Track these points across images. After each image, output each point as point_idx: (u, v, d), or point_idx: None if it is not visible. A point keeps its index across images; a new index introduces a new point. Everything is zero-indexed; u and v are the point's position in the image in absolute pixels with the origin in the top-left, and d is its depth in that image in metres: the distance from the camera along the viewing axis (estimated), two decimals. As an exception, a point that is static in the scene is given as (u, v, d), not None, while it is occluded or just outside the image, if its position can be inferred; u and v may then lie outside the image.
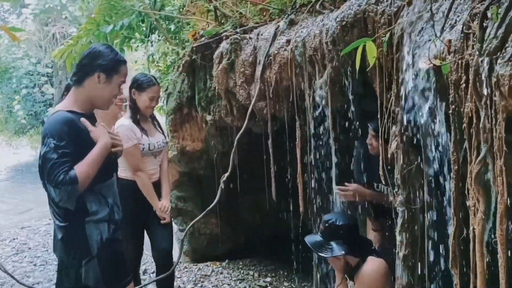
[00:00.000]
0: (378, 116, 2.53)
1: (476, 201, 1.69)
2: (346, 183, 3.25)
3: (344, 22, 2.63)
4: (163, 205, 3.38)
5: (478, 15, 1.71)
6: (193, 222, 3.59)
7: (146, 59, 6.90)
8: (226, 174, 3.35)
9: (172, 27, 5.93)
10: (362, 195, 3.21)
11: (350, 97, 2.83)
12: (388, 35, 2.40)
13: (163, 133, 3.46)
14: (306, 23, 3.15)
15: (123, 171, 3.29)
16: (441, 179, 2.13)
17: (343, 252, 2.67)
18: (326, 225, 2.76)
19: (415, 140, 2.27)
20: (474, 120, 1.71)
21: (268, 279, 4.29)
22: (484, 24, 1.63)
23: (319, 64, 2.96)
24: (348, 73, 2.78)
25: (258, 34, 3.57)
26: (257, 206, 5.27)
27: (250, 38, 3.61)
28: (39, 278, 4.60)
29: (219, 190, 3.31)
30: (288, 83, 3.21)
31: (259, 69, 3.39)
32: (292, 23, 3.31)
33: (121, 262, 2.37)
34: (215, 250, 5.08)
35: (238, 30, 3.80)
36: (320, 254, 2.71)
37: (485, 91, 1.57)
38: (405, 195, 2.32)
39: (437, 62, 1.72)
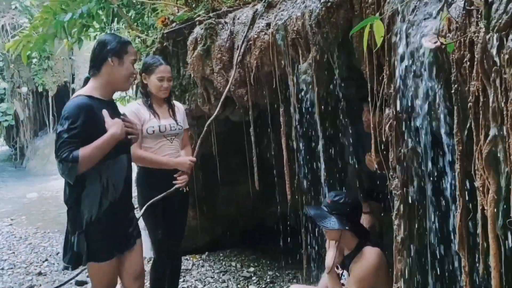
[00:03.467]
0: (369, 99, 2.47)
1: (486, 182, 1.66)
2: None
3: (329, 3, 2.55)
4: (185, 158, 3.22)
5: (481, -9, 1.66)
6: (151, 201, 3.28)
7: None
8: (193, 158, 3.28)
9: (133, 13, 5.70)
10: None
11: (338, 80, 2.76)
12: (377, 15, 2.34)
13: (175, 119, 3.25)
14: (286, 5, 3.05)
15: None
16: (441, 161, 2.09)
17: (346, 227, 2.62)
18: (334, 199, 2.69)
19: (410, 122, 2.23)
20: (481, 99, 1.66)
21: (252, 269, 4.23)
22: (489, 0, 1.58)
23: (302, 48, 2.87)
24: (335, 56, 2.71)
25: (234, 19, 3.45)
26: (234, 197, 5.19)
27: (226, 22, 3.48)
28: (9, 282, 4.36)
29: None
30: (270, 68, 3.12)
31: (237, 54, 3.27)
32: (270, 6, 3.20)
33: (107, 240, 2.52)
34: (193, 243, 4.96)
35: (211, 14, 3.66)
36: (322, 224, 2.63)
37: (494, 69, 1.52)
38: (401, 178, 2.28)
39: (443, 41, 1.66)
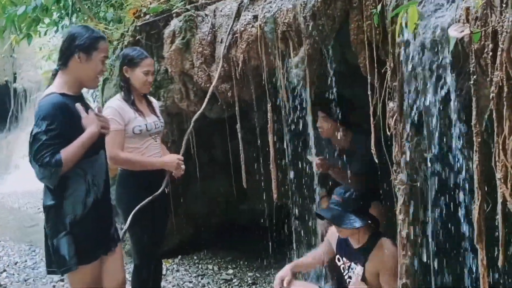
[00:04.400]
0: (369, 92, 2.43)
1: (510, 172, 1.64)
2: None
3: (326, -6, 2.48)
4: (173, 157, 3.04)
5: (504, -20, 1.64)
6: (140, 205, 3.09)
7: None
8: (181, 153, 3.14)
9: (92, 6, 5.42)
10: (326, 166, 3.27)
11: (331, 74, 2.70)
12: (379, 7, 2.30)
13: (156, 115, 3.05)
14: (273, -3, 2.96)
15: None
16: (450, 155, 2.08)
17: (366, 222, 2.58)
18: (345, 196, 2.63)
19: (414, 115, 2.20)
20: (505, 89, 1.65)
21: (230, 271, 4.09)
22: (517, -11, 1.56)
23: (293, 41, 2.79)
24: (330, 49, 2.64)
25: (215, 11, 3.31)
26: (205, 195, 5.04)
27: (206, 15, 3.34)
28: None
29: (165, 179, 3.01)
30: (257, 62, 3.01)
31: (221, 48, 3.14)
32: (254, -2, 3.10)
33: (92, 240, 2.41)
34: (164, 245, 4.77)
35: (188, 7, 3.50)
36: (344, 226, 2.57)
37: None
38: (405, 173, 2.25)
39: (468, 31, 1.63)
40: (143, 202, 2.89)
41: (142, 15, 3.72)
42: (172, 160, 2.99)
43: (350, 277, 2.77)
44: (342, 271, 2.84)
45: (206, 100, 3.14)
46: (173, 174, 3.07)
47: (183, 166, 3.07)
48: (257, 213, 5.35)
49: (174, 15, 3.52)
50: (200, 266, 4.21)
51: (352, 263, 2.76)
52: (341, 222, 2.59)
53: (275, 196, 3.24)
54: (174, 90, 3.63)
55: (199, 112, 3.19)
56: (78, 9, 5.79)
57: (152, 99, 3.15)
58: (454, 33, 1.64)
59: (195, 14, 3.34)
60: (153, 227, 2.98)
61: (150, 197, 2.91)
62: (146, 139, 2.96)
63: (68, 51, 2.34)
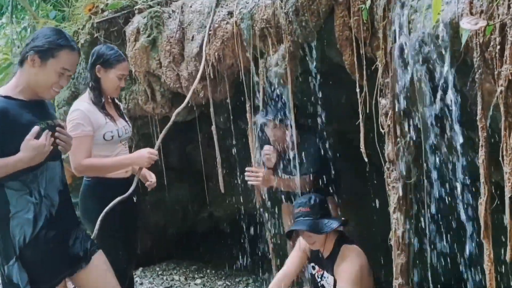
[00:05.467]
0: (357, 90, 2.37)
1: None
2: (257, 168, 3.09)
3: (310, -11, 2.40)
4: (142, 152, 2.76)
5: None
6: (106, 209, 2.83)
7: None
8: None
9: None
10: (270, 181, 3.07)
11: (313, 72, 2.62)
12: (368, 2, 2.25)
13: (125, 119, 2.81)
14: (247, -7, 2.84)
15: None
16: (445, 150, 2.06)
17: (338, 223, 2.56)
18: (311, 204, 2.57)
19: (409, 112, 2.17)
20: (515, 83, 1.64)
21: (198, 280, 3.91)
22: (527, -19, 1.56)
23: (272, 38, 2.69)
24: (313, 46, 2.56)
25: (182, 7, 3.14)
26: (160, 204, 4.80)
27: (173, 11, 3.16)
28: None
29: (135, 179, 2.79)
30: (232, 60, 2.88)
31: (193, 46, 2.97)
32: (226, -6, 2.97)
33: (48, 263, 2.14)
34: (114, 259, 4.48)
35: (151, 3, 3.31)
36: (321, 233, 2.53)
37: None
38: (399, 170, 2.21)
39: (484, 23, 1.60)
40: (110, 205, 2.61)
41: (99, 11, 3.46)
42: (142, 155, 2.70)
43: (323, 286, 2.73)
44: (316, 279, 2.79)
45: (187, 99, 2.93)
46: (146, 185, 2.88)
47: (154, 180, 2.91)
48: (218, 219, 5.21)
49: (136, 11, 3.30)
50: (165, 277, 4.00)
51: (325, 272, 2.72)
52: (319, 229, 2.55)
53: (259, 200, 3.13)
54: (138, 92, 3.41)
55: (178, 108, 2.93)
56: (18, 5, 5.37)
57: (118, 101, 2.93)
58: (468, 25, 1.60)
59: (161, 10, 3.14)
60: (124, 241, 2.75)
61: (118, 198, 2.64)
62: (117, 146, 2.73)
63: (25, 50, 2.06)
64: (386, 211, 2.96)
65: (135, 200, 2.84)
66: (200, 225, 5.08)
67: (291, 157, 2.94)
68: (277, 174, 3.15)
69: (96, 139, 2.63)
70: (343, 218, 2.64)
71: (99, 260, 2.30)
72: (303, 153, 3.00)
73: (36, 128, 2.02)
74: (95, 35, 3.45)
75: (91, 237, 2.48)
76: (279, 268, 2.97)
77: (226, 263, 4.04)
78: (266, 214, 3.49)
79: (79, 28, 3.63)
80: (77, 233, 2.29)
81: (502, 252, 1.78)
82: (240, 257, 3.89)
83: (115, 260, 2.70)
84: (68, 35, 2.11)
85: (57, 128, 2.09)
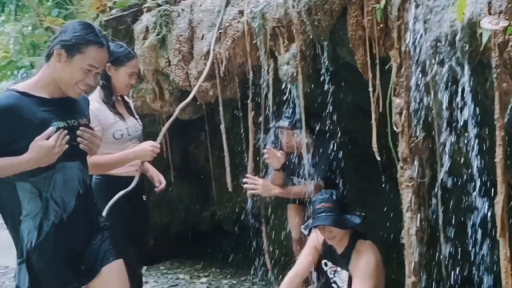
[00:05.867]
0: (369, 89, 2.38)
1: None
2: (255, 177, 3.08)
3: (323, -11, 2.41)
4: (145, 145, 2.71)
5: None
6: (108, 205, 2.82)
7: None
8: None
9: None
10: (269, 190, 3.04)
11: (324, 72, 2.63)
12: (383, 2, 2.26)
13: (135, 117, 2.80)
14: (258, -8, 2.85)
15: None
16: (465, 149, 2.06)
17: (360, 219, 2.60)
18: (334, 199, 2.61)
19: (421, 111, 2.18)
20: (535, 83, 1.65)
21: (204, 279, 3.90)
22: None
23: (283, 37, 2.69)
24: (325, 46, 2.57)
25: (191, 6, 3.14)
26: (162, 203, 4.79)
27: (183, 10, 3.16)
28: None
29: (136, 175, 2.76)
30: (242, 59, 2.88)
31: (203, 44, 2.97)
32: (236, -7, 2.98)
33: (52, 272, 2.00)
34: (124, 258, 4.47)
35: (160, 1, 3.31)
36: (345, 228, 2.57)
37: None
38: (412, 169, 2.22)
39: (506, 23, 1.61)
40: (111, 201, 2.55)
41: (107, 9, 3.46)
42: (144, 148, 2.64)
43: (335, 282, 2.74)
44: (329, 275, 2.80)
45: (187, 101, 2.92)
46: (156, 190, 2.86)
47: (163, 182, 2.87)
48: (221, 219, 5.21)
49: (145, 10, 3.30)
50: (170, 276, 3.99)
51: (338, 268, 2.73)
52: (344, 224, 2.56)
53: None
54: (146, 90, 3.41)
55: (180, 105, 2.92)
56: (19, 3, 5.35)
57: (128, 99, 2.92)
58: (489, 25, 1.62)
59: (170, 9, 3.14)
60: (134, 239, 2.74)
61: (120, 193, 2.60)
62: (127, 144, 2.70)
63: (53, 43, 1.95)
64: (389, 211, 3.00)
65: (144, 198, 2.84)
66: (203, 224, 5.08)
67: (306, 161, 2.90)
68: (289, 179, 3.15)
69: (106, 138, 2.59)
70: (362, 214, 2.65)
71: (112, 271, 2.09)
72: (319, 158, 3.00)
73: (50, 129, 1.91)
74: (103, 33, 3.43)
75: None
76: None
77: (231, 262, 4.03)
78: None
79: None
80: (94, 240, 2.11)
81: None
82: (244, 257, 3.90)
83: (125, 259, 2.70)
84: (98, 30, 2.00)
85: (81, 128, 2.00)
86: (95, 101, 2.65)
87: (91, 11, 3.55)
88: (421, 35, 2.06)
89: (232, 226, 4.84)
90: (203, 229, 5.08)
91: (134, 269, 2.75)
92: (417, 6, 2.09)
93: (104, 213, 2.61)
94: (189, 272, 4.07)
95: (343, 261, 2.63)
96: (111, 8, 3.46)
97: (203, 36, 2.99)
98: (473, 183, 2.01)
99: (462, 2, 1.56)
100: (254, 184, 3.02)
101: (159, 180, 2.89)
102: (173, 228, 5.01)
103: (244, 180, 3.06)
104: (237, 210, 4.70)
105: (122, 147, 2.69)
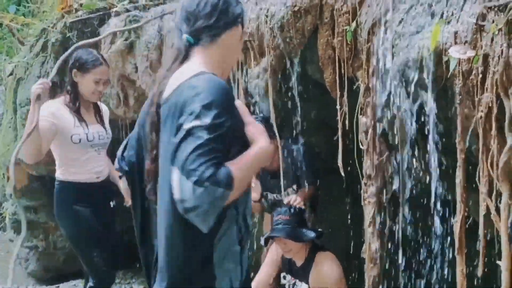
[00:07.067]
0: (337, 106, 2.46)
1: (500, 188, 1.76)
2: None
3: (296, 8, 2.47)
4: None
5: (494, 8, 1.77)
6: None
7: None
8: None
9: None
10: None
11: (295, 87, 2.69)
12: (354, 24, 2.35)
13: (103, 126, 2.73)
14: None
15: (58, 171, 2.73)
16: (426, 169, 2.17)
17: (316, 234, 2.63)
18: (292, 212, 2.64)
19: (387, 130, 2.27)
20: (495, 110, 1.77)
21: None
22: (509, 17, 1.70)
23: (255, 51, 2.74)
24: (295, 62, 2.63)
25: (162, 14, 3.13)
26: (119, 211, 4.69)
27: (152, 17, 3.14)
28: None
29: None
30: (212, 70, 2.89)
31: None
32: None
33: None
34: (73, 266, 4.33)
35: (128, 6, 3.28)
36: (299, 241, 2.59)
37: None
38: (375, 186, 2.31)
39: (473, 53, 1.72)
40: None
41: (73, 10, 3.38)
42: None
43: None
44: None
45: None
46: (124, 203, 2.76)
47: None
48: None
49: (113, 14, 3.26)
50: (123, 287, 3.89)
51: (297, 281, 2.77)
52: (298, 237, 2.60)
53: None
54: (110, 95, 3.35)
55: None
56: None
57: (102, 106, 2.87)
58: (456, 54, 1.72)
59: (140, 14, 3.12)
60: (98, 243, 2.69)
61: None
62: (87, 151, 2.69)
63: (225, 20, 1.54)
64: (351, 225, 3.09)
65: (112, 205, 2.79)
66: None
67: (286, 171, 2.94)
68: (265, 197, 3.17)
69: (63, 139, 2.61)
70: (319, 230, 2.71)
71: None
72: (303, 164, 3.04)
73: (239, 103, 1.55)
74: (68, 35, 3.36)
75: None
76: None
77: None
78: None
79: (48, 26, 3.52)
80: None
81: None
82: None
83: (90, 262, 2.67)
84: None
85: None
86: (58, 103, 2.65)
87: (55, 11, 3.46)
88: (388, 59, 2.16)
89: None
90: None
91: (104, 272, 2.72)
92: (386, 30, 2.19)
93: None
94: (142, 283, 3.98)
95: (302, 273, 2.68)
96: (77, 10, 3.39)
97: (173, 44, 2.98)
98: (434, 202, 2.12)
99: (436, 32, 1.65)
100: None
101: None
102: (127, 236, 4.90)
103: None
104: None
105: (82, 152, 2.67)
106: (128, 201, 2.67)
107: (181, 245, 1.41)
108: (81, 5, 3.40)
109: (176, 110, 1.39)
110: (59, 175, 2.73)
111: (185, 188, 1.26)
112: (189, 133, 1.31)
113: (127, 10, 3.25)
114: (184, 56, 1.53)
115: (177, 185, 1.28)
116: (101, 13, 3.32)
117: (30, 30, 3.88)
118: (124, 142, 1.72)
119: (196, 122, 1.32)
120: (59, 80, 3.59)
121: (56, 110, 2.60)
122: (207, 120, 1.32)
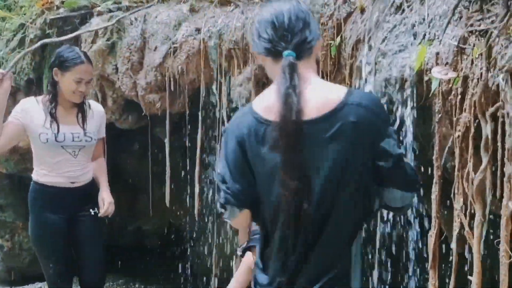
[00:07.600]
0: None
1: (474, 206, 1.82)
2: None
3: (282, 19, 2.50)
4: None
5: (475, 32, 1.85)
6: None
7: None
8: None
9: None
10: None
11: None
12: (338, 39, 2.40)
13: (84, 127, 2.59)
14: (215, 12, 2.90)
15: (33, 172, 2.62)
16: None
17: None
18: None
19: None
20: (472, 130, 1.84)
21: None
22: (490, 42, 1.77)
23: (239, 59, 2.75)
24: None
25: (145, 16, 3.11)
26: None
27: (136, 19, 3.12)
28: None
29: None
30: (195, 76, 2.89)
31: (156, 56, 2.95)
32: (193, 10, 3.01)
33: None
34: (39, 269, 4.18)
35: (111, 7, 3.24)
36: None
37: (507, 107, 1.68)
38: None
39: (454, 74, 1.79)
40: None
41: (54, 7, 3.32)
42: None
43: None
44: None
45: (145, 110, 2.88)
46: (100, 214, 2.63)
47: (109, 209, 2.61)
48: (145, 233, 5.08)
49: (95, 13, 3.22)
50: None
51: None
52: None
53: (196, 211, 3.12)
54: (88, 95, 3.28)
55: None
56: None
57: (95, 105, 2.72)
58: (438, 75, 1.78)
59: (123, 15, 3.09)
60: (59, 255, 2.59)
61: None
62: (58, 152, 2.53)
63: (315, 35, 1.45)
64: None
65: (93, 213, 2.63)
66: (124, 239, 4.92)
67: None
68: None
69: (33, 138, 2.54)
70: None
71: None
72: None
73: None
74: (47, 32, 3.29)
75: None
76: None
77: (155, 278, 3.94)
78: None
79: (27, 21, 3.45)
80: None
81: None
82: (171, 273, 3.84)
83: (45, 270, 2.60)
84: None
85: None
86: (35, 99, 2.57)
87: (36, 6, 3.38)
88: (371, 75, 2.21)
89: (157, 242, 4.75)
90: (126, 243, 4.92)
91: (55, 284, 2.63)
92: (370, 48, 2.25)
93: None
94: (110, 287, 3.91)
95: None
96: (58, 7, 3.33)
97: (156, 48, 2.97)
98: (409, 217, 2.18)
99: (422, 53, 1.71)
100: None
101: (104, 200, 2.63)
102: (124, 240, 4.81)
103: None
104: (160, 225, 4.63)
105: (52, 153, 2.53)
106: (104, 211, 2.59)
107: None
108: (62, 2, 3.34)
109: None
110: (33, 175, 2.62)
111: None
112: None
113: (110, 11, 3.22)
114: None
115: None
116: (83, 11, 3.26)
117: (7, 25, 3.78)
118: None
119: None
120: (35, 77, 3.53)
121: (29, 106, 2.51)
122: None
